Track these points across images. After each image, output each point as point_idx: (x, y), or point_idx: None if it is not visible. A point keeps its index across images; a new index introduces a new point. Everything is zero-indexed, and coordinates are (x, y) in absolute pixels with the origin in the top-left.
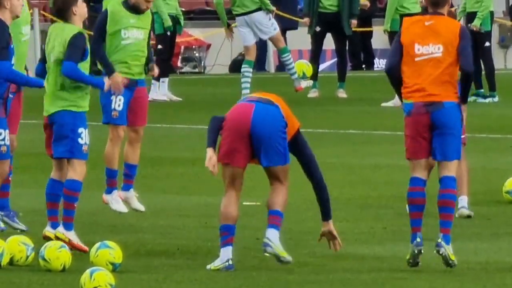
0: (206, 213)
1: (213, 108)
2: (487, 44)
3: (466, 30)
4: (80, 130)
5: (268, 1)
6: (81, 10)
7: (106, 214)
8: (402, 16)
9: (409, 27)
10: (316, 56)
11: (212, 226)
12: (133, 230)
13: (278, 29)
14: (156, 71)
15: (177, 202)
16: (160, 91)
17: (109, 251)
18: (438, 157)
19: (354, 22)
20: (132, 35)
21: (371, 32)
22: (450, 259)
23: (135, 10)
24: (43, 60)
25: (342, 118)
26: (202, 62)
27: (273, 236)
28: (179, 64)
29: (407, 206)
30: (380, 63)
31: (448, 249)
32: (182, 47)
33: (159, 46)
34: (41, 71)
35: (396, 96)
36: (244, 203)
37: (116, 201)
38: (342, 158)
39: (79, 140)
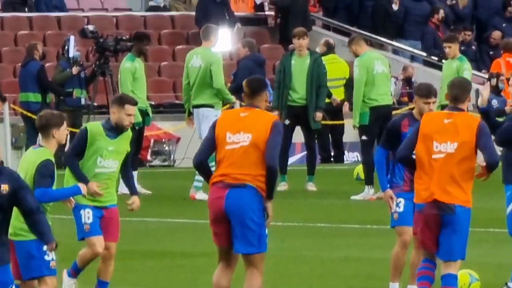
0: None
1: (182, 202)
2: None
3: (485, 125)
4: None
5: (227, 92)
6: (61, 134)
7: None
8: (371, 108)
9: (428, 122)
10: (285, 149)
11: None
12: None
13: None
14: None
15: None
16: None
17: None
18: (443, 256)
19: (318, 115)
20: (107, 165)
21: (342, 125)
22: None
23: (116, 130)
24: None
25: (311, 211)
26: (172, 156)
27: None
28: (148, 157)
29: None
30: (349, 156)
31: None
32: (152, 140)
33: None
34: None
35: (366, 189)
36: None
37: None
38: (311, 251)
39: (45, 257)
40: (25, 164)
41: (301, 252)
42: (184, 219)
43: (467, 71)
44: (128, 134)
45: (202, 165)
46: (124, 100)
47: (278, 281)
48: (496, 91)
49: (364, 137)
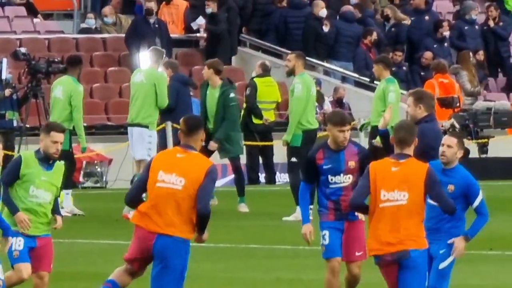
0: None
1: (115, 224)
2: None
3: (433, 171)
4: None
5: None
6: None
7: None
8: (304, 131)
9: (374, 170)
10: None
11: None
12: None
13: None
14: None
15: None
16: (64, 205)
17: None
18: None
19: (213, 145)
20: (40, 195)
21: (272, 146)
22: None
23: (47, 160)
24: None
25: (243, 232)
26: (104, 177)
27: None
28: (80, 179)
29: None
30: (281, 177)
31: None
32: (84, 162)
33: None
34: None
35: (297, 210)
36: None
37: None
38: (244, 272)
39: None
40: None
41: (234, 274)
42: (116, 241)
43: (392, 92)
44: (61, 167)
45: (133, 203)
46: (50, 127)
47: None
48: None
49: (293, 159)
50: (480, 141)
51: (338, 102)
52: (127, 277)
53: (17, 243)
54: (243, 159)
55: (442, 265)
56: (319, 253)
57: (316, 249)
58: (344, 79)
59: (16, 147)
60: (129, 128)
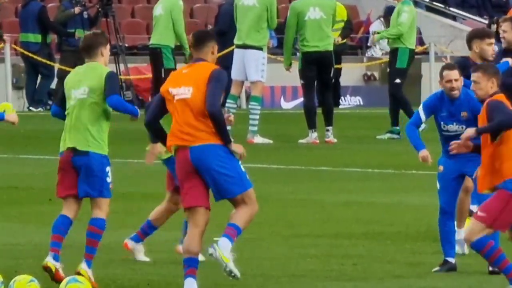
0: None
1: None
2: (397, 80)
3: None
4: (108, 169)
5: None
6: (107, 53)
7: (73, 249)
8: (302, 53)
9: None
10: None
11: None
12: (103, 265)
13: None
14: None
15: (148, 237)
16: None
17: (79, 286)
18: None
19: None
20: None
21: (340, 69)
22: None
23: None
24: (59, 102)
25: (314, 155)
26: None
27: (222, 243)
28: (150, 99)
29: None
30: (351, 101)
31: None
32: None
33: None
34: (58, 112)
35: (309, 133)
36: (215, 238)
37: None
38: (312, 195)
39: (107, 179)
40: (88, 77)
41: (302, 195)
42: None
43: (405, 13)
44: None
45: (149, 126)
46: None
47: (277, 224)
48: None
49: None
50: None
51: None
52: None
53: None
54: None
55: None
56: (388, 176)
57: (386, 172)
58: (416, 3)
59: None
60: (237, 50)
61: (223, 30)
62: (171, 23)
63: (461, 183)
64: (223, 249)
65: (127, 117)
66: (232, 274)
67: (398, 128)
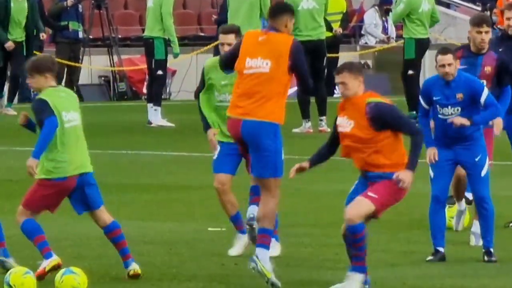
0: (171, 239)
1: (178, 135)
2: (410, 72)
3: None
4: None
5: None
6: None
7: (70, 240)
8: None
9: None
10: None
11: (177, 253)
12: (98, 256)
13: None
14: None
15: (141, 228)
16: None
17: (74, 277)
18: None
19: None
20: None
21: (336, 58)
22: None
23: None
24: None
25: (308, 144)
26: (168, 89)
27: (261, 255)
28: (144, 90)
29: None
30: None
31: None
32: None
33: (159, 72)
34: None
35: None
36: (209, 229)
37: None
38: (307, 184)
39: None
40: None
41: (297, 185)
42: (178, 152)
43: (402, 4)
44: None
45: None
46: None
47: None
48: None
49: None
50: None
51: None
52: None
53: None
54: None
55: (484, 171)
56: None
57: None
58: None
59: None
60: None
61: (226, 20)
62: (160, 15)
63: (453, 172)
64: (264, 262)
65: (120, 109)
66: (275, 286)
67: (414, 113)
